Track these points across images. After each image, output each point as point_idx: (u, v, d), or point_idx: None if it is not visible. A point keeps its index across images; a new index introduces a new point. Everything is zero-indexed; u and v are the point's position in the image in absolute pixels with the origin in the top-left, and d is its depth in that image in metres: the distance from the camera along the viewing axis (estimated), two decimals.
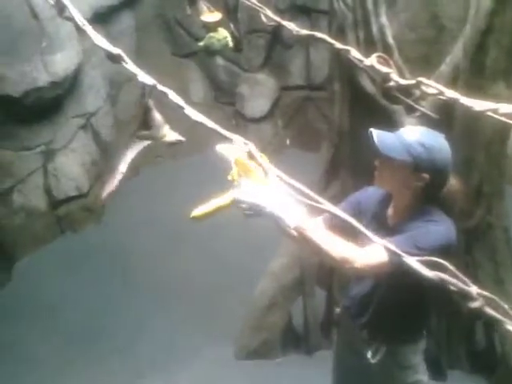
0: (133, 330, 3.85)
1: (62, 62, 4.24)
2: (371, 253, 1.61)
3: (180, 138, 1.73)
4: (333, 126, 3.11)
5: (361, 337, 1.96)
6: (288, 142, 5.80)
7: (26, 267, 4.37)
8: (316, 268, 3.43)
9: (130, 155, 1.66)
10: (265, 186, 1.59)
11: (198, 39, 5.32)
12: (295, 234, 1.64)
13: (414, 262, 0.89)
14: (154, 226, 4.63)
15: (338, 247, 1.64)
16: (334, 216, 1.72)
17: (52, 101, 4.34)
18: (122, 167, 1.64)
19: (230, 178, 1.65)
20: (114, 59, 1.24)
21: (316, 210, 1.07)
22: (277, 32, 5.31)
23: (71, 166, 4.66)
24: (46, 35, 4.09)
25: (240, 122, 5.65)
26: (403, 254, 0.87)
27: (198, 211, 1.69)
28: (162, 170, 5.22)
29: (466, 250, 2.97)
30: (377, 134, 1.74)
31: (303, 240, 1.64)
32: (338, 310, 2.14)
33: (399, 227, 1.81)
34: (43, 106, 4.31)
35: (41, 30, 4.07)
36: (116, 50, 1.24)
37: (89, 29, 1.35)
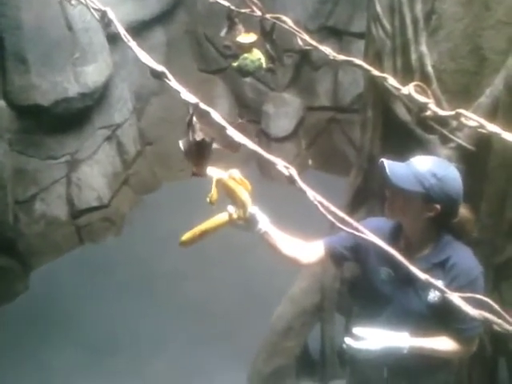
0: (147, 345, 3.81)
1: (93, 74, 4.28)
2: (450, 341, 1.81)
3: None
4: (363, 152, 3.05)
5: (379, 374, 1.92)
6: (310, 162, 5.76)
7: (43, 276, 4.36)
8: (336, 294, 3.36)
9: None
10: (248, 206, 1.73)
11: (226, 56, 5.39)
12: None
13: (458, 300, 0.85)
14: (173, 241, 4.58)
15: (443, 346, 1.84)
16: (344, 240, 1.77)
17: (80, 111, 4.38)
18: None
19: (208, 199, 1.68)
20: (158, 76, 1.23)
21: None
22: (306, 52, 5.31)
23: (94, 176, 4.67)
24: (79, 47, 4.14)
25: (263, 140, 5.63)
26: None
27: (184, 237, 1.75)
28: (185, 185, 5.21)
29: (494, 287, 2.87)
30: (388, 165, 1.74)
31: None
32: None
33: (421, 261, 1.78)
34: (71, 117, 4.34)
35: (74, 41, 4.12)
36: (160, 68, 1.23)
37: (133, 45, 1.35)
